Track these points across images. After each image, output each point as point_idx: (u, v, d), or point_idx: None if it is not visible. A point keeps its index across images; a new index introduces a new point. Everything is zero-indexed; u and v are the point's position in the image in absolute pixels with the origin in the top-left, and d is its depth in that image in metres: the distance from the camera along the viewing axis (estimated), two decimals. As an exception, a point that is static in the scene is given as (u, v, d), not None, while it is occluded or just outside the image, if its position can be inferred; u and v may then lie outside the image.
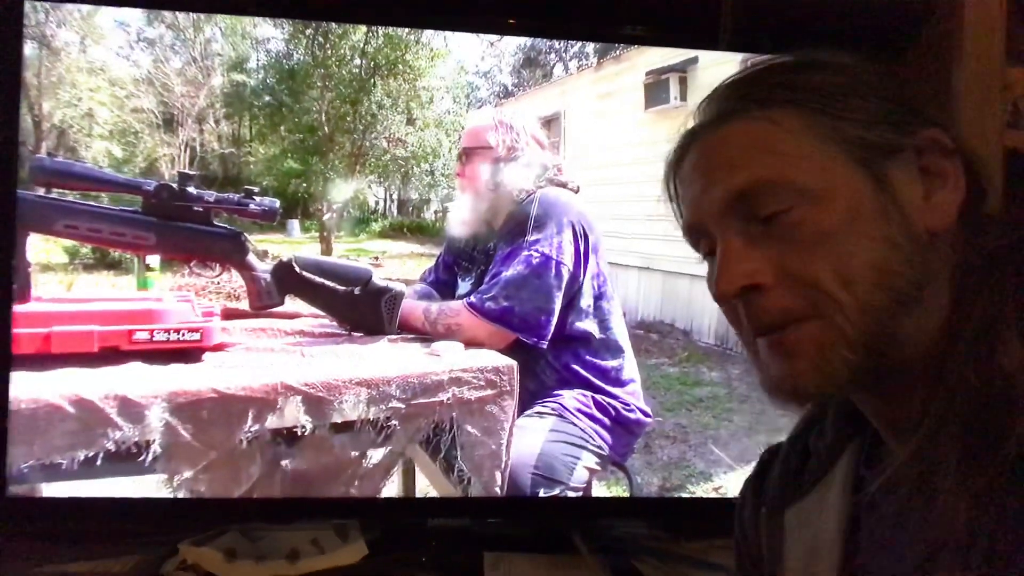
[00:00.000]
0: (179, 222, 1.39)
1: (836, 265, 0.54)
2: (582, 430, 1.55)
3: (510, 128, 1.65)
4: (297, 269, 1.46)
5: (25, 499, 1.20)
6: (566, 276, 1.54)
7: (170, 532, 1.25)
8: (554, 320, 1.53)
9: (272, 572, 1.20)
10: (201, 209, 1.40)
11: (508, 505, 1.44)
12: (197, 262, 1.44)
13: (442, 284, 1.79)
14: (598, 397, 1.59)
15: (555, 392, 1.58)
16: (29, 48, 1.18)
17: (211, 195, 1.41)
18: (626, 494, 1.75)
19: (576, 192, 1.67)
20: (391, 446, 1.31)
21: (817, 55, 0.61)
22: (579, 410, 1.57)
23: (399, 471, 1.59)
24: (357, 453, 1.31)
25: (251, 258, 1.45)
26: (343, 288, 1.47)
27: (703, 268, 0.64)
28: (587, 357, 1.61)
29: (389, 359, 1.39)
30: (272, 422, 1.23)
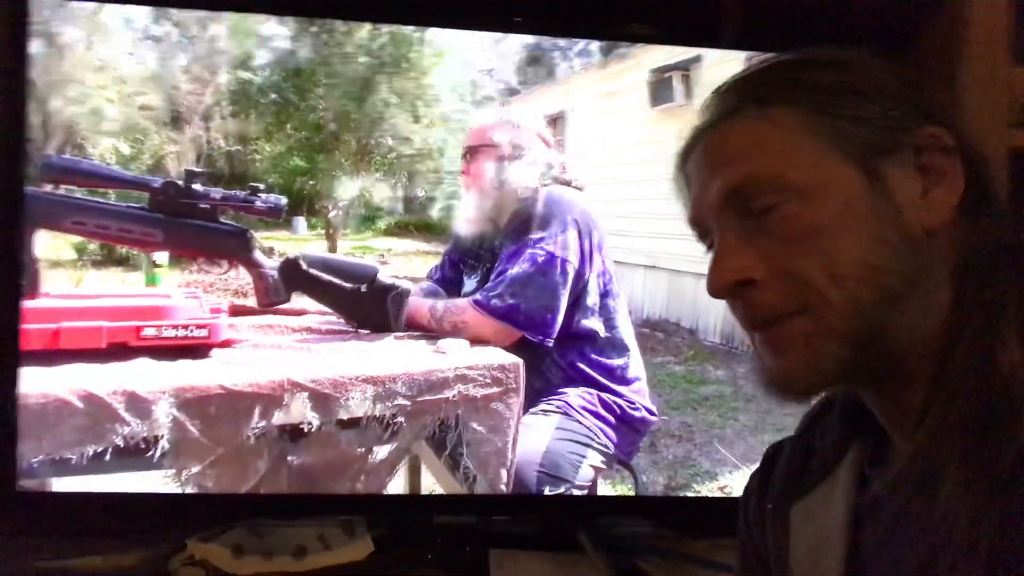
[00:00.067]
0: (186, 219, 1.40)
1: (825, 261, 0.55)
2: (588, 428, 1.55)
3: (515, 126, 1.65)
4: (304, 266, 1.47)
5: (35, 493, 1.21)
6: (571, 274, 1.54)
7: (177, 527, 1.25)
8: (560, 318, 1.53)
9: (279, 568, 1.20)
10: (208, 206, 1.41)
11: (513, 503, 1.44)
12: (204, 259, 1.44)
13: (448, 282, 1.80)
14: (604, 395, 1.59)
15: (561, 390, 1.59)
16: (36, 45, 1.19)
17: (217, 192, 1.42)
18: (631, 493, 1.75)
19: (581, 190, 1.67)
20: (397, 443, 1.32)
21: (818, 53, 0.61)
22: (585, 408, 1.57)
23: (405, 468, 1.60)
24: (363, 449, 1.31)
25: (257, 255, 1.46)
26: (350, 285, 1.48)
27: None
28: (593, 355, 1.61)
29: (395, 356, 1.40)
30: (279, 418, 1.23)
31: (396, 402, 1.30)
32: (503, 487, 1.40)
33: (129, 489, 1.25)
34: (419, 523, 1.36)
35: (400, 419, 1.30)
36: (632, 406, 1.62)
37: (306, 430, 1.25)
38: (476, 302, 1.52)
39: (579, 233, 1.56)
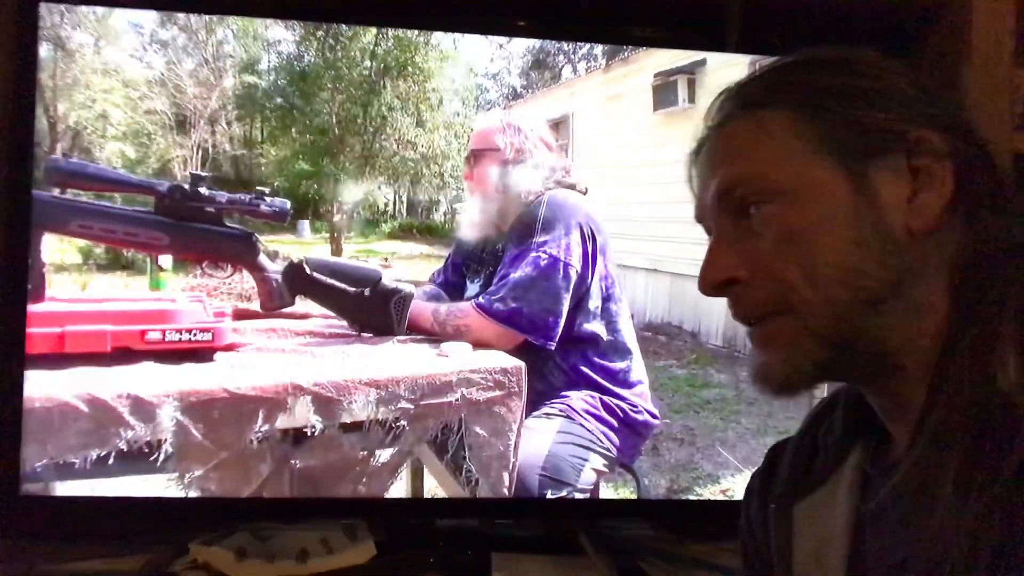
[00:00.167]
0: (191, 223, 1.41)
1: (804, 263, 0.56)
2: (590, 432, 1.55)
3: (518, 130, 1.65)
4: (308, 270, 1.47)
5: (39, 497, 1.22)
6: (574, 278, 1.54)
7: (181, 531, 1.26)
8: (562, 321, 1.53)
9: (282, 572, 1.20)
10: (213, 210, 1.42)
11: (516, 506, 1.44)
12: (209, 263, 1.45)
13: (451, 285, 1.80)
14: (606, 399, 1.59)
15: (563, 393, 1.59)
16: (44, 50, 1.20)
17: (223, 196, 1.43)
18: (633, 496, 1.75)
19: (584, 194, 1.67)
20: (399, 446, 1.32)
21: (822, 53, 0.62)
22: (587, 411, 1.57)
23: (407, 471, 1.60)
24: (366, 453, 1.31)
25: (262, 259, 1.46)
26: (353, 289, 1.48)
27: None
28: (595, 359, 1.61)
29: (398, 360, 1.40)
30: (282, 422, 1.24)
31: (399, 405, 1.30)
32: (505, 490, 1.40)
33: (132, 493, 1.26)
34: (421, 526, 1.36)
35: (403, 422, 1.31)
36: (634, 409, 1.62)
37: (309, 434, 1.26)
38: (479, 305, 1.53)
39: (582, 237, 1.56)
